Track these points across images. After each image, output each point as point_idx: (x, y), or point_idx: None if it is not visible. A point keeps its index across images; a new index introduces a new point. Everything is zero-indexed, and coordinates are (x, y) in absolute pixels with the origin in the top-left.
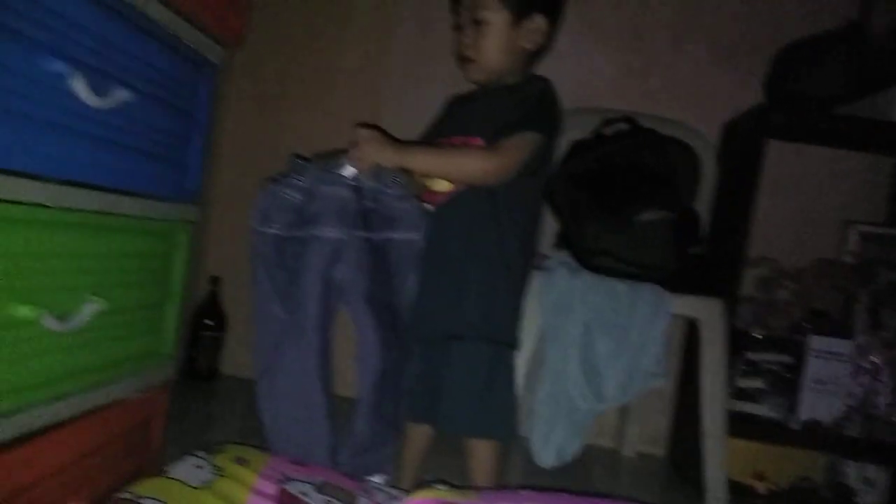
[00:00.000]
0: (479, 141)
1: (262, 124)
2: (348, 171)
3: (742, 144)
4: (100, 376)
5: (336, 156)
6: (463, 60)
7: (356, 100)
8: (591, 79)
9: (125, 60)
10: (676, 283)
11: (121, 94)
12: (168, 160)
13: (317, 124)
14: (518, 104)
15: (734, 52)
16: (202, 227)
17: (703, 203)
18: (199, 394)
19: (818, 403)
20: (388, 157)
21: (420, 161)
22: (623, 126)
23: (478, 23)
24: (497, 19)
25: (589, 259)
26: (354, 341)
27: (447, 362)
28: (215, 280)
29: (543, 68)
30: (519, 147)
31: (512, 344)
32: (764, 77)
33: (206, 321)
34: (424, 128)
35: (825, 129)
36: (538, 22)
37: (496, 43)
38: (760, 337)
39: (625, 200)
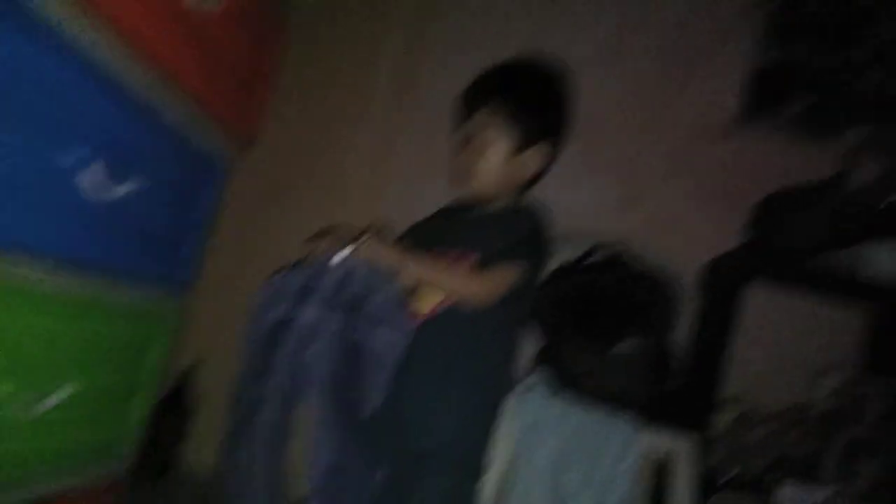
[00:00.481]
0: (471, 260)
1: (259, 221)
2: (342, 255)
3: (721, 285)
4: (54, 464)
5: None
6: (459, 174)
7: (356, 208)
8: (581, 206)
9: (139, 154)
10: (649, 416)
11: (129, 186)
12: (164, 251)
13: (314, 228)
14: (511, 231)
15: (719, 194)
16: (190, 314)
17: (680, 338)
18: (152, 487)
19: None
20: (387, 256)
21: (415, 269)
22: (608, 255)
23: (482, 143)
24: (501, 143)
25: (566, 383)
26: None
27: (412, 480)
28: (189, 369)
29: (538, 193)
30: (506, 277)
31: (480, 468)
32: (746, 221)
33: (171, 411)
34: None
35: (802, 278)
36: (539, 152)
37: (495, 165)
38: (730, 478)
39: (606, 328)
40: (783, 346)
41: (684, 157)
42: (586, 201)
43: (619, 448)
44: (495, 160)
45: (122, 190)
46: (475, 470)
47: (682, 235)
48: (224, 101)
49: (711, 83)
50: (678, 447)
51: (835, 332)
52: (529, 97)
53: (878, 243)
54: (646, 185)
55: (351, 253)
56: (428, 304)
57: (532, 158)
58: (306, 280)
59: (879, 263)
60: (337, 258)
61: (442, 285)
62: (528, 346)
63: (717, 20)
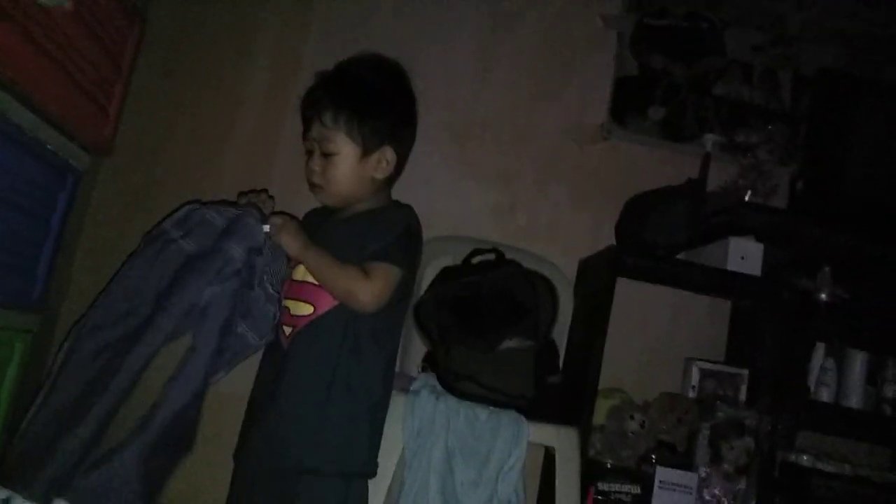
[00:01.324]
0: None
1: (127, 231)
2: (267, 228)
3: (595, 281)
4: None
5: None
6: (313, 186)
7: None
8: (464, 212)
9: None
10: (535, 411)
11: None
12: (11, 266)
13: None
14: (381, 234)
15: (590, 197)
16: (47, 333)
17: (560, 334)
18: None
19: None
20: (292, 243)
21: (315, 260)
22: (490, 256)
23: (326, 154)
24: (345, 151)
25: (454, 383)
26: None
27: (298, 497)
28: None
29: (422, 199)
30: (390, 277)
31: (368, 473)
32: (616, 222)
33: None
34: None
35: (669, 273)
36: (386, 154)
37: (345, 173)
38: (611, 466)
39: (490, 327)
40: (655, 337)
41: (557, 163)
42: (466, 208)
43: (508, 442)
44: (343, 168)
45: None
46: (364, 473)
47: (559, 237)
48: (73, 105)
49: (580, 93)
50: (563, 438)
51: (701, 324)
52: (365, 103)
53: (734, 240)
54: (522, 190)
55: (270, 229)
56: (304, 310)
57: (379, 161)
58: (229, 222)
59: (736, 258)
60: (266, 227)
61: (336, 283)
62: (412, 350)
63: (581, 34)
